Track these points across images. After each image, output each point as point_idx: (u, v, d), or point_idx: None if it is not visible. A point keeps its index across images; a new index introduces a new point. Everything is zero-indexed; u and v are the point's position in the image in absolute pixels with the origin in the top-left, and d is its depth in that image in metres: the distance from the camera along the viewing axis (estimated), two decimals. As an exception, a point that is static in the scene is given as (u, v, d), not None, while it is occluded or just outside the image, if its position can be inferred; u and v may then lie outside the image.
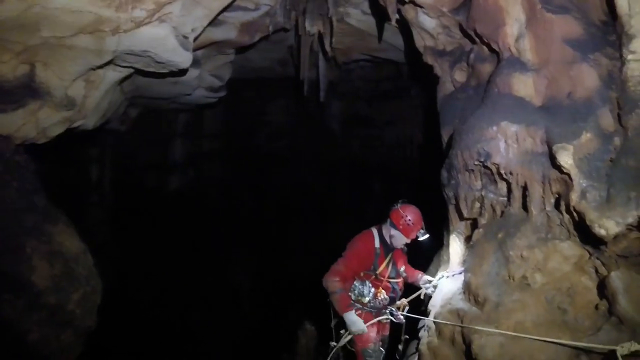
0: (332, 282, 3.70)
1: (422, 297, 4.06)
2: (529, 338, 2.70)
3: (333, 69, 9.18)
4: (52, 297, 5.12)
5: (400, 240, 3.77)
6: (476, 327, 3.00)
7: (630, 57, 2.93)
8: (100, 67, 4.92)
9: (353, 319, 3.67)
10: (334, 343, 3.93)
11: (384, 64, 9.30)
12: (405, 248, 3.95)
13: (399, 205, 3.79)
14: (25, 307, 4.81)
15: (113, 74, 5.37)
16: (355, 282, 3.83)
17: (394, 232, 3.76)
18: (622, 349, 2.24)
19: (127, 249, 10.53)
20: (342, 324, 3.84)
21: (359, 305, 3.80)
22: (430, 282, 4.06)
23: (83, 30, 4.23)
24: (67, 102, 4.94)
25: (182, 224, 11.33)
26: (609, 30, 3.28)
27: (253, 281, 11.52)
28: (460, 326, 3.26)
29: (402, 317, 3.83)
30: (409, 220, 3.66)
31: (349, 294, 3.81)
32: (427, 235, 3.73)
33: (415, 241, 3.84)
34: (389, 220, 3.80)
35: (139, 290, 9.95)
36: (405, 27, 5.35)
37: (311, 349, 5.66)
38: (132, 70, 5.49)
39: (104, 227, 10.40)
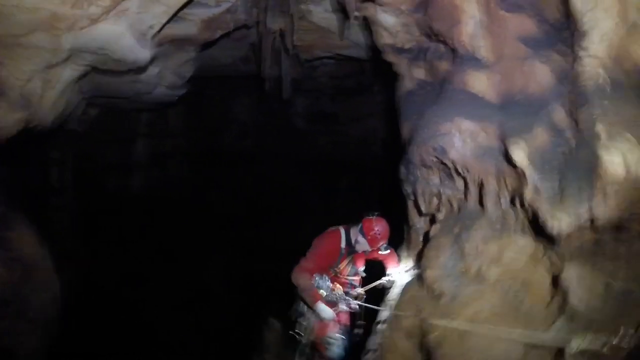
0: (300, 277, 4.02)
1: (379, 287, 4.26)
2: (486, 330, 2.77)
3: (296, 67, 9.13)
4: (13, 305, 4.99)
5: (363, 246, 4.08)
6: (432, 320, 3.07)
7: (582, 53, 2.99)
8: (57, 65, 4.82)
9: (323, 308, 3.98)
10: (292, 332, 4.24)
11: (347, 61, 9.31)
12: (367, 251, 4.12)
13: (373, 216, 4.08)
14: (-15, 317, 4.68)
15: (70, 73, 5.24)
16: (315, 276, 4.06)
17: (361, 239, 4.06)
18: (576, 343, 2.31)
19: (93, 253, 10.28)
20: (300, 314, 4.23)
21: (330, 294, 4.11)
22: (388, 275, 4.26)
23: (39, 28, 4.15)
24: (23, 101, 4.80)
25: (148, 225, 11.13)
26: (562, 28, 3.35)
27: (223, 281, 11.43)
28: (414, 315, 3.34)
29: (357, 306, 4.06)
30: (378, 233, 4.00)
31: None
32: (388, 251, 4.12)
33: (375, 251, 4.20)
34: (360, 227, 4.08)
35: (108, 295, 9.74)
36: (366, 24, 5.39)
37: (278, 344, 5.68)
38: (89, 69, 5.37)
39: (68, 232, 10.11)
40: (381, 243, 4.04)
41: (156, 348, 9.23)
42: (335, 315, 4.02)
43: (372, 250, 4.13)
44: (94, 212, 10.55)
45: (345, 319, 4.17)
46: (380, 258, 4.32)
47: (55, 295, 5.57)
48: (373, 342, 4.16)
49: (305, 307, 4.20)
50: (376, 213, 4.13)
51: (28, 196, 8.66)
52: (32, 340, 5.15)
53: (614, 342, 2.20)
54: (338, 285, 4.11)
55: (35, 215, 7.34)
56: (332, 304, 4.10)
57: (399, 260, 4.36)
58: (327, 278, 4.08)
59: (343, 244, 4.08)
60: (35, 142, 7.07)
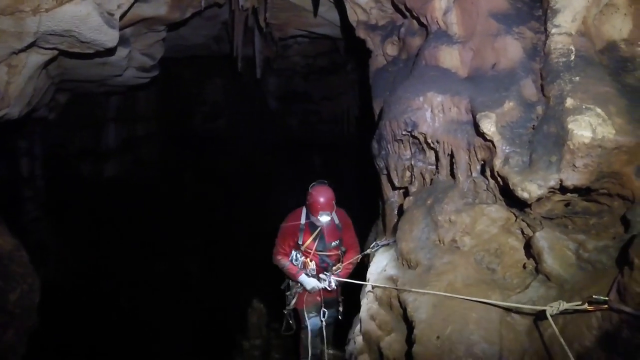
0: (277, 260, 4.22)
1: (358, 261, 4.34)
2: (462, 298, 2.85)
3: (269, 45, 9.04)
4: (-11, 299, 4.91)
5: (311, 217, 4.05)
6: (409, 289, 3.14)
7: (554, 30, 3.08)
8: (23, 50, 4.66)
9: (305, 279, 4.14)
10: (287, 309, 4.36)
11: (320, 39, 9.24)
12: (339, 224, 4.12)
13: (313, 184, 4.07)
14: (-39, 312, 4.60)
15: (36, 57, 5.07)
16: (293, 251, 4.23)
17: (307, 208, 4.07)
18: (551, 309, 2.35)
19: (67, 243, 10.12)
20: (288, 289, 4.35)
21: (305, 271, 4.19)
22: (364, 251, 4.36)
23: (2, 12, 4.01)
24: (-11, 90, 4.65)
25: (123, 212, 10.99)
26: (535, 6, 3.44)
27: (202, 264, 11.42)
28: (393, 288, 3.42)
29: (333, 284, 4.11)
30: (313, 200, 3.95)
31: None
32: (327, 218, 3.97)
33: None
34: None
35: (85, 283, 9.64)
36: (339, 1, 5.35)
37: (262, 325, 5.75)
38: (56, 52, 5.20)
39: (41, 223, 9.91)
40: (320, 211, 3.92)
41: (137, 333, 9.21)
42: (320, 285, 4.10)
43: (330, 223, 4.07)
44: (66, 200, 10.35)
45: (326, 292, 4.25)
46: (342, 250, 4.29)
47: (32, 287, 5.48)
48: (356, 316, 4.27)
49: (290, 281, 4.35)
50: (318, 181, 4.12)
51: (-1, 189, 8.47)
52: (10, 334, 5.09)
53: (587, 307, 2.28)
54: (311, 261, 4.16)
55: (8, 208, 7.19)
56: (311, 277, 4.20)
57: (358, 256, 4.32)
58: (298, 254, 4.19)
59: (303, 220, 4.12)
60: (2, 132, 6.87)
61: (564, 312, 2.38)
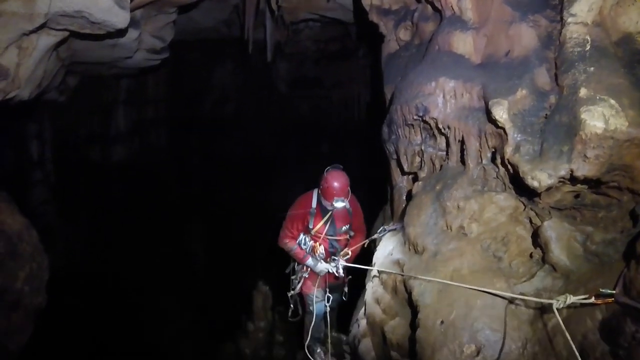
0: (284, 244, 4.14)
1: (365, 246, 4.32)
2: (469, 288, 2.85)
3: (280, 29, 8.98)
4: (-1, 278, 4.98)
5: (324, 201, 3.97)
6: (415, 276, 3.14)
7: (570, 19, 3.03)
8: (33, 32, 4.66)
9: (312, 263, 4.08)
10: (290, 292, 4.34)
11: (332, 24, 9.18)
12: (349, 209, 4.08)
13: (328, 169, 3.95)
14: (-30, 291, 4.67)
15: (47, 39, 5.08)
16: (301, 235, 4.16)
17: (320, 193, 3.98)
18: (558, 303, 2.33)
19: (76, 226, 10.22)
20: (293, 273, 4.34)
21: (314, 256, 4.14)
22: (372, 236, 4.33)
23: (13, -6, 3.99)
24: (0, 72, 4.66)
25: (131, 195, 11.07)
26: (551, -6, 3.40)
27: (208, 247, 11.49)
28: (400, 274, 3.42)
29: (341, 270, 4.06)
30: (328, 185, 3.85)
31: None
32: (341, 204, 3.87)
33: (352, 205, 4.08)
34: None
35: (92, 267, 9.75)
36: (353, -15, 5.31)
37: (267, 308, 5.80)
38: (67, 34, 5.20)
39: (49, 206, 10.00)
40: (335, 197, 3.82)
41: (142, 316, 9.34)
42: (328, 268, 4.05)
43: (340, 209, 3.97)
44: (74, 184, 10.43)
45: (332, 277, 4.25)
46: (351, 235, 4.25)
47: (41, 266, 5.55)
48: (361, 300, 4.30)
49: (296, 264, 4.33)
50: (333, 165, 4.01)
51: (6, 171, 8.54)
52: (19, 313, 5.17)
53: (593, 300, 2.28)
54: (320, 245, 4.11)
55: (18, 190, 7.26)
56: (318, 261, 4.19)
57: (366, 237, 4.31)
58: (307, 238, 4.14)
59: (314, 204, 4.04)
60: (12, 115, 6.92)
61: (570, 305, 2.37)
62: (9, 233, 5.33)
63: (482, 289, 2.76)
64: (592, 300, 2.28)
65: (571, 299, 2.32)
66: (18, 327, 5.13)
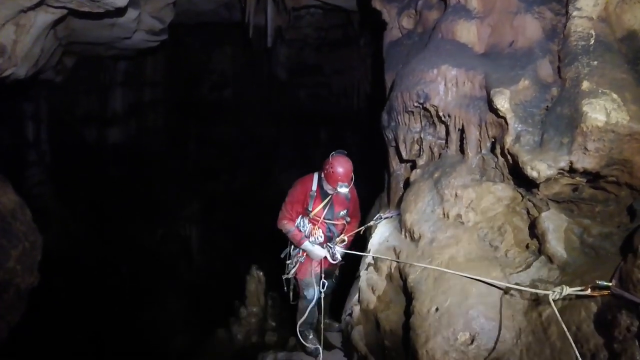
0: (283, 225, 4.11)
1: (361, 232, 4.31)
2: (465, 276, 2.85)
3: (282, 15, 8.89)
4: (-9, 256, 4.94)
5: (326, 185, 3.95)
6: (411, 263, 3.14)
7: (575, 13, 3.05)
8: (31, 8, 4.59)
9: (309, 247, 4.04)
10: (285, 276, 4.30)
11: (334, 11, 9.11)
12: (348, 195, 4.07)
13: (333, 154, 3.92)
14: (-38, 269, 4.64)
15: (45, 16, 5.00)
16: (299, 217, 4.13)
17: (323, 177, 3.95)
18: (554, 294, 2.33)
19: (70, 207, 10.17)
20: (288, 257, 4.30)
21: (312, 239, 4.11)
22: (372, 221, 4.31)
23: (11, -31, 3.92)
24: (-3, 48, 4.61)
25: (126, 178, 11.02)
26: (557, -14, 3.38)
27: (202, 232, 11.48)
28: (396, 261, 3.42)
29: (338, 256, 4.07)
30: (333, 170, 3.82)
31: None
32: (345, 190, 3.85)
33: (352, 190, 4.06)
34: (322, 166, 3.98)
35: (87, 248, 9.73)
36: (354, -29, 5.25)
37: (260, 293, 5.79)
38: (65, 12, 5.12)
39: (45, 187, 9.95)
40: (339, 182, 3.79)
41: (136, 299, 9.34)
42: (324, 253, 4.03)
43: (341, 193, 3.94)
44: (70, 165, 10.37)
45: (326, 263, 4.25)
46: (347, 221, 4.23)
47: (34, 245, 5.52)
48: (355, 287, 4.30)
49: (292, 249, 4.29)
50: (338, 150, 3.98)
51: (2, 152, 8.47)
52: (11, 292, 5.14)
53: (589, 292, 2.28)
54: (318, 228, 4.09)
55: (13, 171, 7.20)
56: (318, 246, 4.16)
57: (360, 224, 4.29)
58: (306, 221, 4.12)
59: (314, 187, 4.01)
60: (8, 95, 6.83)
61: (565, 296, 2.38)
62: (2, 211, 5.29)
63: (478, 277, 2.76)
64: (588, 292, 2.29)
65: (567, 290, 2.32)
66: (10, 306, 5.11)
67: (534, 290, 2.55)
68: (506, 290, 2.73)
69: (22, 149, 9.73)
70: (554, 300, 2.32)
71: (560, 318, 2.24)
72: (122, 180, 10.93)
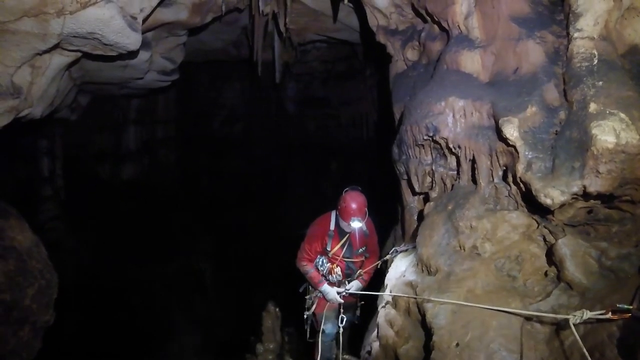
0: (301, 266, 4.18)
1: (378, 267, 4.30)
2: (484, 307, 2.80)
3: (288, 50, 9.09)
4: (7, 294, 4.97)
5: (342, 223, 3.99)
6: (429, 298, 3.09)
7: (576, 34, 3.05)
8: (46, 51, 4.72)
9: (326, 290, 4.12)
10: (307, 313, 4.36)
11: (339, 44, 9.29)
12: (367, 231, 4.09)
13: (347, 190, 4.01)
14: (-21, 307, 4.67)
15: (60, 59, 5.15)
16: (318, 256, 4.18)
17: (338, 214, 4.00)
18: (574, 318, 2.28)
19: (84, 242, 10.24)
20: (306, 292, 4.37)
21: (330, 278, 4.18)
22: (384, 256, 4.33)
23: (27, 14, 4.04)
24: (13, 90, 4.72)
25: (140, 213, 11.09)
26: (556, 10, 3.42)
27: (216, 266, 11.45)
28: (411, 297, 3.37)
29: (352, 290, 4.11)
30: (346, 205, 3.89)
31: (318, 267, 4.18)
32: (358, 224, 3.90)
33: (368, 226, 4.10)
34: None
35: (101, 283, 9.73)
36: (359, 6, 5.37)
37: (277, 329, 5.73)
38: (79, 54, 5.27)
39: (60, 222, 10.04)
40: (352, 217, 3.86)
41: (150, 334, 9.27)
42: (338, 298, 4.08)
43: (358, 230, 4.00)
44: (84, 201, 10.49)
45: (346, 298, 4.23)
46: (366, 257, 4.25)
47: (49, 283, 5.54)
48: (373, 322, 4.24)
49: (310, 286, 4.34)
50: (351, 186, 4.06)
51: (17, 187, 8.61)
52: (26, 329, 5.14)
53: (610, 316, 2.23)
54: (336, 267, 4.13)
55: (28, 206, 7.30)
56: (333, 283, 4.19)
57: (378, 262, 4.27)
58: (325, 260, 4.15)
59: (332, 226, 4.08)
60: (24, 132, 6.99)
61: (586, 322, 2.33)
62: (18, 249, 5.35)
63: (497, 308, 2.70)
64: (609, 315, 2.23)
65: (588, 314, 2.27)
66: (25, 343, 5.11)
67: (554, 315, 2.50)
68: (527, 319, 2.67)
69: (38, 184, 9.88)
70: (574, 325, 2.27)
71: (582, 344, 2.18)
72: (136, 215, 11.00)
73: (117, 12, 4.54)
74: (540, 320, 2.65)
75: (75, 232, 10.19)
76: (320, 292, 4.14)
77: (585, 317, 2.27)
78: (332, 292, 4.09)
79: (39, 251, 5.64)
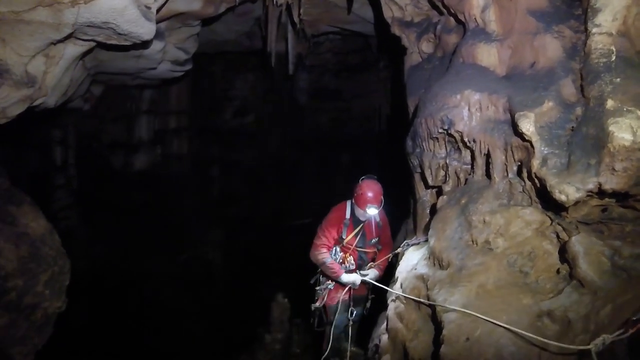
0: (318, 254, 4.11)
1: (389, 259, 4.31)
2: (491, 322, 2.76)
3: (302, 42, 9.06)
4: (20, 279, 5.05)
5: (358, 211, 4.04)
6: (441, 305, 3.06)
7: (594, 30, 3.01)
8: (60, 41, 4.74)
9: (348, 279, 4.09)
10: (314, 305, 4.35)
11: (352, 36, 9.24)
12: (380, 222, 4.10)
13: (363, 178, 4.05)
14: (-8, 292, 4.74)
15: (73, 49, 5.18)
16: (332, 249, 4.19)
17: (354, 202, 4.05)
18: (596, 347, 2.22)
19: (96, 231, 10.36)
20: (317, 284, 4.36)
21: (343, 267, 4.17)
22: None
23: (41, 3, 4.06)
24: (28, 79, 4.76)
25: (151, 202, 11.18)
26: (574, 5, 3.37)
27: (226, 257, 11.52)
28: (423, 303, 3.35)
29: (368, 279, 4.10)
30: (362, 192, 3.94)
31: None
32: (374, 211, 3.96)
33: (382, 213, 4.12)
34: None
35: (111, 272, 9.85)
36: (373, -3, 5.33)
37: (285, 321, 5.76)
38: (93, 44, 5.29)
39: (72, 211, 10.17)
40: (368, 204, 3.93)
41: (159, 323, 9.37)
42: (358, 278, 4.07)
43: (370, 219, 4.06)
44: (96, 190, 10.60)
45: (355, 291, 4.24)
46: (378, 248, 4.28)
47: (62, 269, 5.62)
48: (382, 316, 4.24)
49: (321, 276, 4.35)
50: (367, 175, 4.11)
51: (30, 176, 8.72)
52: (38, 315, 5.22)
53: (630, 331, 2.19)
54: (349, 256, 4.16)
55: (41, 195, 7.38)
56: (349, 271, 4.20)
57: (389, 255, 4.30)
58: (338, 249, 4.17)
59: (347, 215, 4.12)
60: (37, 121, 7.06)
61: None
62: (31, 236, 5.42)
63: (510, 327, 2.62)
64: (630, 331, 2.18)
65: (609, 339, 2.21)
66: (37, 329, 5.19)
67: (573, 347, 2.39)
68: (537, 317, 2.65)
69: (50, 173, 10.00)
70: (601, 346, 2.21)
71: None
72: (147, 205, 11.10)
73: (131, 2, 4.54)
74: (550, 317, 2.63)
75: (87, 221, 10.31)
76: (339, 281, 4.11)
77: (607, 342, 2.22)
78: (351, 277, 4.07)
79: (52, 238, 5.71)
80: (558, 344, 2.45)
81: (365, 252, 4.20)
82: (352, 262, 4.16)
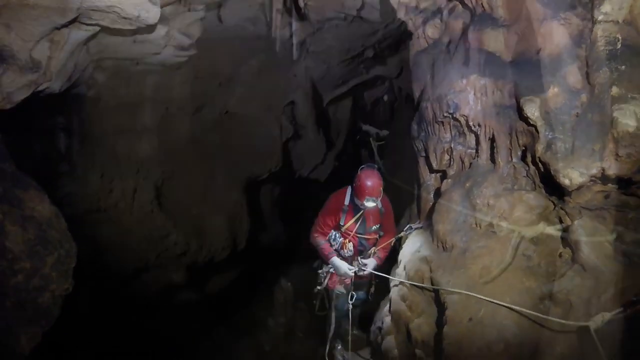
0: (314, 238, 4.18)
1: (392, 244, 4.31)
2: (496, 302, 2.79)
3: (306, 27, 9.01)
4: (27, 262, 5.09)
5: (357, 200, 3.98)
6: (443, 288, 3.11)
7: (601, 17, 3.02)
8: (65, 25, 4.74)
9: (337, 264, 4.07)
10: (318, 288, 4.36)
11: (357, 21, 9.17)
12: (382, 209, 4.09)
13: (362, 167, 4.00)
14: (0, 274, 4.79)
15: (78, 33, 5.18)
16: (332, 231, 4.18)
17: (353, 191, 3.99)
18: (594, 324, 2.29)
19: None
20: (320, 267, 4.35)
21: (342, 252, 4.17)
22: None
23: (46, -13, 4.07)
24: (32, 64, 4.76)
25: (154, 188, 11.19)
26: (582, -9, 3.36)
27: (230, 241, 11.56)
28: (428, 288, 3.39)
29: (368, 269, 4.08)
30: (361, 183, 3.86)
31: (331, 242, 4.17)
32: (372, 204, 3.88)
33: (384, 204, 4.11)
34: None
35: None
36: (380, -17, 5.30)
37: (288, 304, 5.81)
38: (98, 29, 5.29)
39: (76, 198, 10.20)
40: (367, 196, 3.83)
41: (162, 307, 9.44)
42: (350, 273, 4.04)
43: (369, 208, 3.97)
44: (101, 177, 10.61)
45: (357, 277, 4.25)
46: (380, 235, 4.24)
47: (69, 252, 5.67)
48: (385, 299, 4.29)
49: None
50: (367, 165, 4.05)
51: (34, 163, 8.74)
52: (46, 297, 5.28)
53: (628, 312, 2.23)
54: (349, 242, 4.14)
55: (45, 181, 7.40)
56: (345, 258, 4.19)
57: (392, 240, 4.27)
58: (337, 235, 4.17)
59: (347, 201, 4.06)
60: (41, 108, 7.07)
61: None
62: (38, 219, 5.45)
63: (512, 306, 2.67)
64: (628, 312, 2.23)
65: (606, 316, 2.27)
66: (44, 310, 5.25)
67: (573, 323, 2.46)
68: (539, 299, 2.69)
69: (55, 160, 10.00)
70: (600, 323, 2.26)
71: (600, 346, 2.19)
72: (151, 191, 11.09)
73: (137, -15, 4.55)
74: (552, 300, 2.67)
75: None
76: (331, 264, 4.10)
77: (604, 320, 2.28)
78: (342, 267, 4.04)
79: (59, 222, 5.74)
80: (558, 319, 2.52)
81: (365, 239, 4.16)
82: (351, 248, 4.12)
